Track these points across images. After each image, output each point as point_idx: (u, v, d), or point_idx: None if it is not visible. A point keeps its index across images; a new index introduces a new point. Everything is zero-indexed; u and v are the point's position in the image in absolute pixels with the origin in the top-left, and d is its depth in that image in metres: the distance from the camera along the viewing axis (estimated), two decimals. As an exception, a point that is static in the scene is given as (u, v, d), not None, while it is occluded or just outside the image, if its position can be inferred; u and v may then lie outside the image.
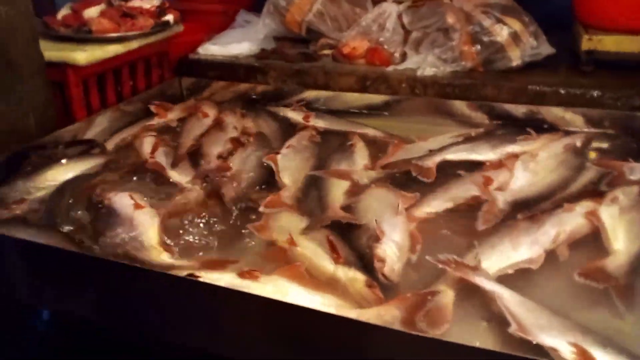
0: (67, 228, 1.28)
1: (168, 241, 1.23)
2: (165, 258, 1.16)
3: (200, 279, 1.00)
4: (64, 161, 1.53)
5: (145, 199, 1.35)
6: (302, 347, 0.95)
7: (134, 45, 1.93)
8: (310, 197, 1.40)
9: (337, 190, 1.39)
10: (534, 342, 0.90)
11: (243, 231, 1.28)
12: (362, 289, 1.05)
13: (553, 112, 1.76)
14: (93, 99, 1.85)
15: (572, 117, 1.75)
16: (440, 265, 1.06)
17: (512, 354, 0.81)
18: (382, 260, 1.10)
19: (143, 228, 1.23)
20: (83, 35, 1.85)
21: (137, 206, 1.29)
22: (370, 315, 0.95)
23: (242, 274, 1.03)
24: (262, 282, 1.02)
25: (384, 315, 0.95)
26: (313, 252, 1.14)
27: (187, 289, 1.00)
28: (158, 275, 1.04)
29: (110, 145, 1.69)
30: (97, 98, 1.87)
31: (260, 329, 0.97)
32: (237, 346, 1.00)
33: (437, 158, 1.52)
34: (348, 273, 1.08)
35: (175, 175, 1.50)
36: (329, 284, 1.07)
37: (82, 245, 1.21)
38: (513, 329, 0.93)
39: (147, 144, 1.65)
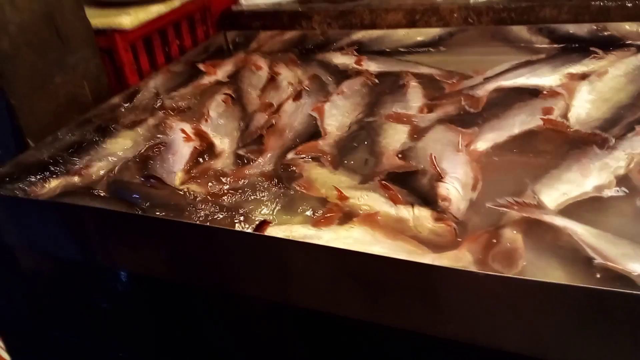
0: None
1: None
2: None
3: (272, 234, 1.00)
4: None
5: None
6: (379, 296, 0.94)
7: (176, 3, 1.91)
8: (357, 145, 1.36)
9: (391, 137, 1.33)
10: (623, 272, 0.86)
11: (291, 192, 1.22)
12: (432, 224, 1.03)
13: (622, 27, 1.64)
14: (143, 62, 1.86)
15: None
16: (502, 210, 1.02)
17: (605, 289, 0.77)
18: (447, 199, 1.07)
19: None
20: (126, -2, 1.84)
21: (188, 139, 1.34)
22: (446, 258, 0.94)
23: (316, 223, 1.03)
24: (334, 230, 1.01)
25: (458, 260, 0.93)
26: (368, 200, 1.11)
27: (260, 243, 1.00)
28: (232, 232, 1.05)
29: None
30: (146, 61, 1.87)
31: (337, 280, 0.96)
32: (313, 298, 1.00)
33: (491, 86, 1.46)
34: (413, 211, 1.05)
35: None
36: (398, 228, 1.04)
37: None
38: (598, 261, 0.89)
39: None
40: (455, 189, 1.09)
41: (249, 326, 1.19)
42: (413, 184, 1.16)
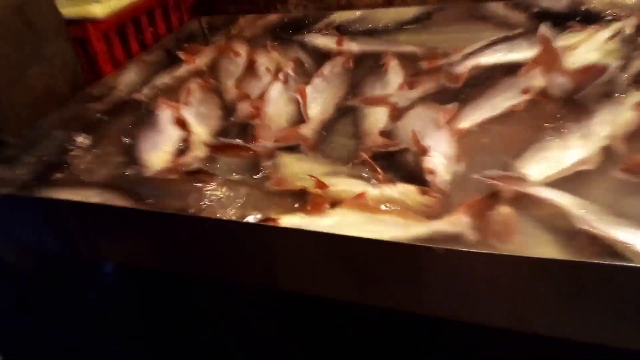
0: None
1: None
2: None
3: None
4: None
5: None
6: (365, 277, 0.95)
7: (148, -10, 1.87)
8: (340, 128, 1.35)
9: (374, 117, 1.33)
10: (607, 239, 0.88)
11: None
12: (419, 197, 1.03)
13: (597, 1, 1.65)
14: (117, 51, 1.82)
15: (622, 3, 1.63)
16: (489, 182, 1.03)
17: (587, 261, 0.79)
18: (432, 172, 1.08)
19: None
20: (96, -14, 1.80)
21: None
22: (442, 225, 0.94)
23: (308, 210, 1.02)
24: (328, 215, 1.00)
25: (456, 224, 0.94)
26: (349, 184, 1.10)
27: (246, 230, 1.00)
28: (219, 221, 1.04)
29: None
30: (120, 50, 1.84)
31: (323, 263, 0.97)
32: (301, 282, 1.01)
33: (470, 62, 1.46)
34: (398, 188, 1.06)
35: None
36: (385, 207, 1.04)
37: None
38: (583, 227, 0.91)
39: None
40: (440, 162, 1.10)
41: (239, 313, 1.19)
42: (397, 162, 1.17)
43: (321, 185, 1.10)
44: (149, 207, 1.15)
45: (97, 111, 1.57)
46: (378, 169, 1.10)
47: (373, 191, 1.07)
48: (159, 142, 1.37)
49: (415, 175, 1.10)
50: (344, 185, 1.10)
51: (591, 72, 1.28)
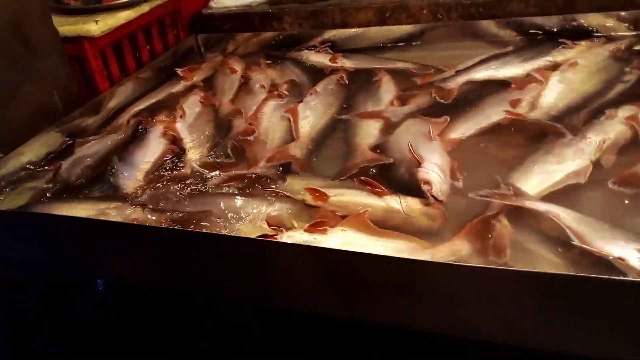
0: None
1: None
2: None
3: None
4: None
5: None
6: (359, 292, 0.94)
7: (145, 8, 1.89)
8: (330, 145, 1.36)
9: (365, 132, 1.34)
10: (599, 254, 0.88)
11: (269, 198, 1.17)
12: (422, 209, 1.04)
13: (589, 19, 1.68)
14: (113, 68, 1.84)
15: (607, 22, 1.66)
16: (486, 199, 1.03)
17: (579, 275, 0.79)
18: (428, 183, 1.08)
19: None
20: (93, 5, 1.82)
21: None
22: (445, 252, 0.94)
23: (309, 229, 1.00)
24: (330, 235, 0.99)
25: (459, 249, 0.94)
26: (352, 195, 1.11)
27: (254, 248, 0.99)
28: (218, 237, 1.04)
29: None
30: (116, 67, 1.85)
31: (331, 282, 0.95)
32: (307, 300, 0.99)
33: (462, 79, 1.48)
34: (400, 201, 1.06)
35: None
36: (390, 220, 1.04)
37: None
38: (576, 242, 0.91)
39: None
40: (435, 172, 1.11)
41: (232, 329, 1.18)
42: (391, 175, 1.17)
43: (323, 196, 1.11)
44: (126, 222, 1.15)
45: (89, 128, 1.58)
46: (376, 186, 1.11)
47: (378, 203, 1.07)
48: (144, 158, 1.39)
49: (411, 187, 1.10)
50: (347, 196, 1.11)
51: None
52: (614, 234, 0.92)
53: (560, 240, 0.94)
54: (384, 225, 1.02)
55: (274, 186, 1.19)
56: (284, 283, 0.99)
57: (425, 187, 1.08)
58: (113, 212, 1.19)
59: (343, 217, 1.05)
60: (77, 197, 1.29)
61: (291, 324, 1.12)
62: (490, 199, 1.03)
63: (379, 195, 1.09)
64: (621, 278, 0.82)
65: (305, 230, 1.01)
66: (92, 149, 1.45)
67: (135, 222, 1.14)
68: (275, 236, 0.99)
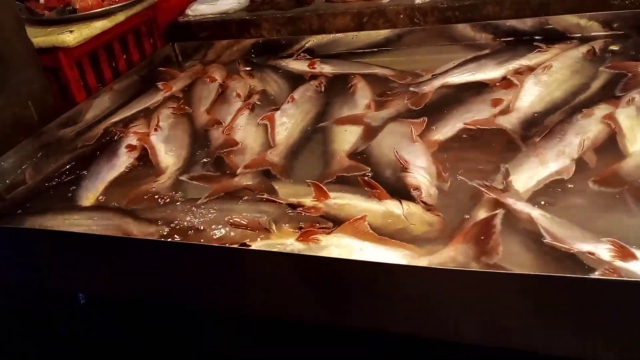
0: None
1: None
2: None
3: (253, 247, 0.98)
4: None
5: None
6: (344, 298, 0.93)
7: (120, 17, 1.87)
8: (308, 151, 1.36)
9: (342, 139, 1.34)
10: (571, 251, 0.90)
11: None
12: (424, 215, 1.04)
13: (562, 20, 1.70)
14: (90, 79, 1.82)
15: (581, 24, 1.69)
16: (477, 187, 1.05)
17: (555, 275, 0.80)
18: (417, 188, 1.09)
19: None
20: (68, 15, 1.80)
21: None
22: (443, 258, 0.94)
23: (302, 238, 0.98)
24: (325, 243, 0.97)
25: (456, 255, 0.94)
26: (351, 198, 1.10)
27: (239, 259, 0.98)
28: (206, 248, 1.03)
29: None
30: (93, 77, 1.84)
31: (331, 290, 0.94)
32: (303, 310, 0.98)
33: (437, 82, 1.49)
34: (402, 206, 1.06)
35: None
36: (390, 225, 1.04)
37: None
38: (548, 240, 0.93)
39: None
40: (422, 176, 1.12)
41: (216, 341, 1.18)
42: (377, 179, 1.16)
43: (322, 194, 1.10)
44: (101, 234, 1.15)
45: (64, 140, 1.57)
46: (379, 189, 1.10)
47: (377, 207, 1.07)
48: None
49: (398, 192, 1.11)
50: (346, 199, 1.10)
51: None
52: (585, 233, 0.93)
53: (534, 237, 0.96)
54: (382, 231, 1.01)
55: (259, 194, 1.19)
56: (270, 292, 0.98)
57: (415, 193, 1.08)
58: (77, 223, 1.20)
59: (334, 222, 1.05)
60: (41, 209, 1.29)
61: (277, 334, 1.12)
62: (481, 188, 1.05)
63: (380, 198, 1.08)
64: (593, 276, 0.84)
65: (297, 240, 0.99)
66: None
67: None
68: (250, 245, 0.98)
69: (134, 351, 1.27)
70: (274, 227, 1.06)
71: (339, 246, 0.97)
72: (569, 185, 1.09)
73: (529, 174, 1.11)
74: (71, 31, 1.71)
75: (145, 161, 1.44)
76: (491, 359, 0.92)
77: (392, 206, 1.06)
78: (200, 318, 1.16)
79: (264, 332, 1.12)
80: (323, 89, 1.64)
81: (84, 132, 1.61)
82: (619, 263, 0.85)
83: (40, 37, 1.67)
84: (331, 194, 1.11)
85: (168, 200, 1.25)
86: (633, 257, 0.85)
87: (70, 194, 1.34)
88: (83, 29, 1.74)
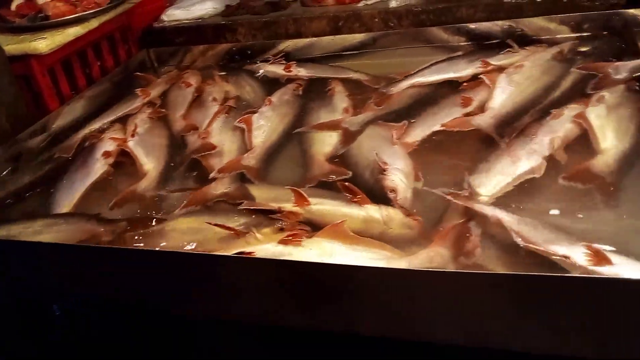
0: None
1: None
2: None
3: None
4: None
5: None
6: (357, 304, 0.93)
7: (93, 24, 1.85)
8: (285, 155, 1.36)
9: (321, 143, 1.34)
10: (545, 254, 0.91)
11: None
12: (404, 219, 1.05)
13: (533, 23, 1.73)
14: (63, 86, 1.80)
15: (552, 26, 1.72)
16: (445, 196, 1.06)
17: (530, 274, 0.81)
18: (394, 191, 1.10)
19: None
20: (40, 22, 1.78)
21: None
22: (421, 260, 0.95)
23: (283, 241, 0.99)
24: (306, 246, 0.98)
25: (434, 256, 0.95)
26: (331, 203, 1.11)
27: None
28: (181, 255, 1.02)
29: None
30: (67, 85, 1.81)
31: (310, 294, 0.94)
32: (284, 314, 0.98)
33: (405, 83, 1.51)
34: (381, 211, 1.07)
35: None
36: (367, 228, 1.05)
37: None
38: (522, 244, 0.93)
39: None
40: (399, 179, 1.13)
41: (196, 348, 1.17)
42: (355, 182, 1.17)
43: (302, 200, 1.10)
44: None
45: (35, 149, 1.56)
46: (356, 191, 1.11)
47: (357, 212, 1.07)
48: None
49: (376, 195, 1.11)
50: (326, 205, 1.10)
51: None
52: (557, 234, 0.95)
53: (508, 242, 0.96)
54: (363, 235, 1.01)
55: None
56: (249, 298, 0.98)
57: (391, 195, 1.09)
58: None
59: (313, 227, 1.05)
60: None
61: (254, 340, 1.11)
62: (446, 197, 1.06)
63: (360, 203, 1.08)
64: (567, 275, 0.86)
65: (279, 242, 1.00)
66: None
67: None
68: (252, 253, 0.97)
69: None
70: (255, 231, 1.06)
71: (321, 249, 0.97)
72: (540, 184, 1.10)
73: (501, 174, 1.12)
74: (43, 38, 1.68)
75: (122, 167, 1.43)
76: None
77: (373, 211, 1.07)
78: (181, 324, 1.16)
79: (247, 338, 1.12)
80: (301, 92, 1.64)
81: (59, 141, 1.59)
82: (593, 268, 0.86)
83: (11, 45, 1.64)
84: (311, 200, 1.11)
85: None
86: (608, 262, 0.86)
87: (45, 202, 1.32)
88: (55, 36, 1.72)
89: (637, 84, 1.35)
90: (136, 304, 1.12)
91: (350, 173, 1.21)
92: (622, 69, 1.41)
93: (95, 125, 1.64)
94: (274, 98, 1.57)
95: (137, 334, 1.22)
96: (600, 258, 0.87)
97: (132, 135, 1.50)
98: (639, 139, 1.17)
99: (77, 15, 1.81)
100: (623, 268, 0.85)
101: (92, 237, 1.16)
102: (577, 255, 0.88)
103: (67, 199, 1.31)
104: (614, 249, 0.90)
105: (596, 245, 0.89)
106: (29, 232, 1.20)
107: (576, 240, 0.92)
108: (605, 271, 0.85)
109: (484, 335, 0.86)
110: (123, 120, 1.65)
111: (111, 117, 1.67)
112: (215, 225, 1.08)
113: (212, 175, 1.28)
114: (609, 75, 1.40)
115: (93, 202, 1.31)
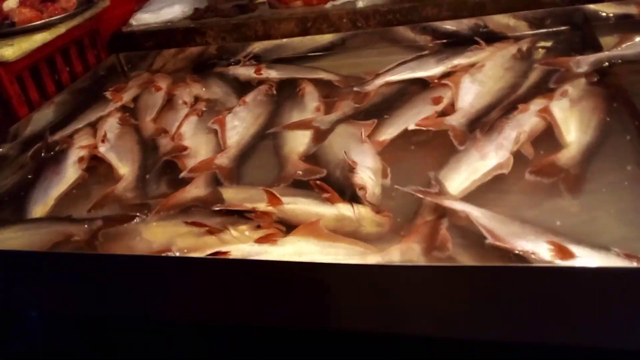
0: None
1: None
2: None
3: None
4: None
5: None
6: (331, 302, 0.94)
7: (61, 29, 1.83)
8: (259, 155, 1.38)
9: (294, 142, 1.36)
10: (513, 250, 0.93)
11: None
12: (375, 217, 1.07)
13: (497, 20, 1.77)
14: (32, 93, 1.78)
15: (515, 22, 1.77)
16: (414, 193, 1.08)
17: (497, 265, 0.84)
18: (363, 188, 1.12)
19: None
20: (6, 29, 1.75)
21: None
22: (393, 255, 0.97)
23: (259, 240, 1.00)
24: (281, 244, 0.99)
25: (406, 251, 0.97)
26: (304, 203, 1.12)
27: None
28: (151, 258, 1.03)
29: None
30: (35, 92, 1.80)
31: (285, 293, 0.94)
32: (261, 313, 0.97)
33: (380, 81, 1.54)
34: (353, 208, 1.09)
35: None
36: (340, 226, 1.07)
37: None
38: (490, 241, 0.96)
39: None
40: (368, 177, 1.15)
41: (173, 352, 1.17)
42: (327, 180, 1.19)
43: (275, 200, 1.11)
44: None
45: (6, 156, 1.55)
46: (327, 188, 1.12)
47: (330, 211, 1.09)
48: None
49: (346, 192, 1.13)
50: (299, 204, 1.12)
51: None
52: (524, 229, 0.97)
53: (476, 238, 0.99)
54: (336, 233, 1.04)
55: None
56: (222, 299, 0.99)
57: (360, 193, 1.11)
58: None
59: (287, 226, 1.07)
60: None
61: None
62: (415, 194, 1.08)
63: (332, 201, 1.10)
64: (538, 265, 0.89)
65: (255, 242, 1.01)
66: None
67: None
68: (227, 253, 0.98)
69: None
70: (231, 228, 1.08)
71: (296, 247, 0.99)
72: (508, 179, 1.13)
73: (470, 169, 1.15)
74: (10, 45, 1.67)
75: (95, 172, 1.43)
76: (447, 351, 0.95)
77: (344, 209, 1.09)
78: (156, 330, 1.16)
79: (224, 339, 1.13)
80: (274, 92, 1.66)
81: (30, 148, 1.58)
82: (559, 262, 0.90)
83: (-23, 53, 1.62)
84: (284, 199, 1.12)
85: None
86: (571, 256, 0.90)
87: (17, 209, 1.32)
88: (22, 42, 1.70)
89: (597, 76, 1.39)
90: (112, 311, 1.11)
91: (325, 171, 1.23)
92: (583, 62, 1.45)
93: (67, 131, 1.63)
94: (248, 98, 1.58)
95: (115, 342, 1.22)
96: (564, 253, 0.90)
97: (103, 141, 1.50)
98: (601, 131, 1.22)
99: (44, 21, 1.79)
100: (586, 260, 0.89)
101: (65, 238, 1.16)
102: (543, 251, 0.91)
103: (41, 206, 1.31)
104: (578, 241, 0.93)
105: (558, 240, 0.92)
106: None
107: (542, 234, 0.95)
108: (569, 264, 0.89)
109: (453, 325, 0.89)
110: (94, 125, 1.64)
111: (84, 123, 1.66)
112: (192, 223, 1.09)
113: (182, 174, 1.28)
114: (570, 70, 1.44)
115: (70, 207, 1.31)
